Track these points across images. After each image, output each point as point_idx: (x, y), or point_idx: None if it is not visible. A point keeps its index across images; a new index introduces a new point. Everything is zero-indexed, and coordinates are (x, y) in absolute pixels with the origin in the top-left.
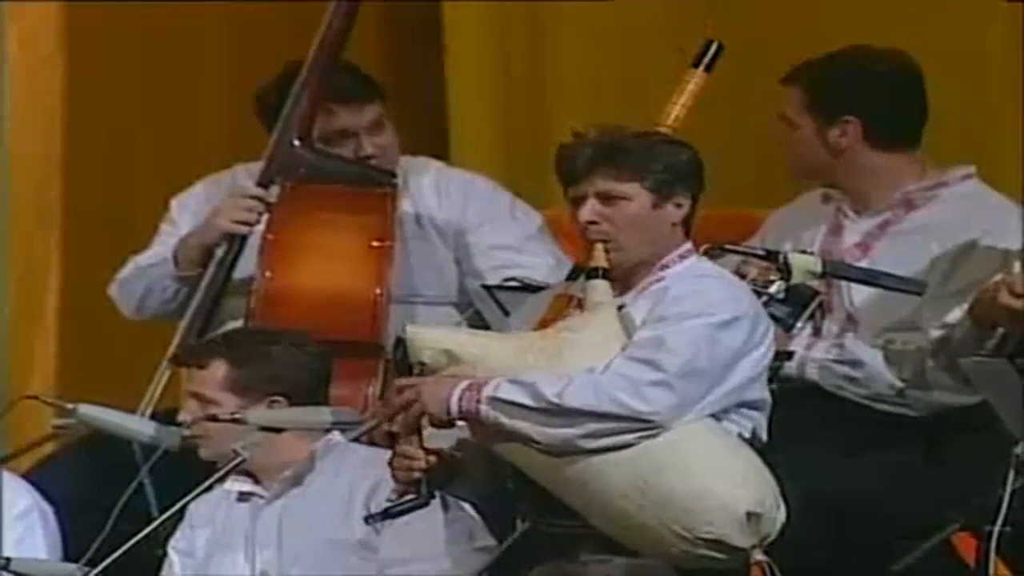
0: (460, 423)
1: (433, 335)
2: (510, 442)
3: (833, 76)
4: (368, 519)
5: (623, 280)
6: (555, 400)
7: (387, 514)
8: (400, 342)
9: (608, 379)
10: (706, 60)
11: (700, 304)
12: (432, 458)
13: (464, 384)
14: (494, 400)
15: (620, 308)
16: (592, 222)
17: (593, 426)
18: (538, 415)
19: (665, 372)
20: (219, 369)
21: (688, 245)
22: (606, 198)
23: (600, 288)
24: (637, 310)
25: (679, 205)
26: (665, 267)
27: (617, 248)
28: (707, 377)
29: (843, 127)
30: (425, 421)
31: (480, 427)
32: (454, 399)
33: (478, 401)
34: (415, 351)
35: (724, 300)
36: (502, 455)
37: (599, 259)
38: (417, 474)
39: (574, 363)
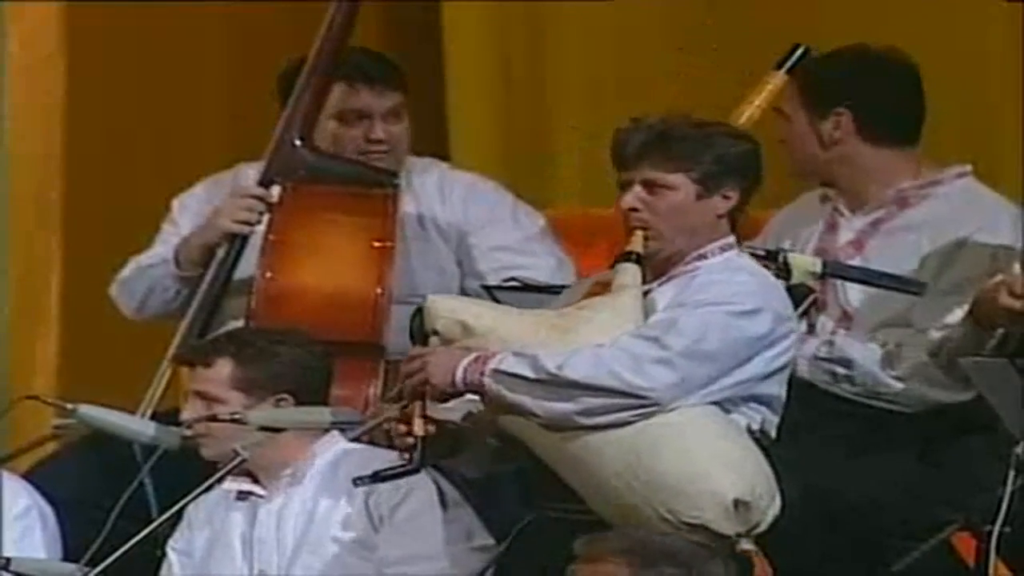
0: (471, 396)
1: (450, 305)
2: (514, 415)
3: (826, 70)
4: (357, 481)
5: (659, 267)
6: (555, 371)
7: (376, 477)
8: (419, 311)
9: (610, 353)
10: (790, 63)
11: (723, 293)
12: (431, 427)
13: (471, 356)
14: (497, 372)
15: (647, 293)
16: (633, 209)
17: (591, 401)
18: (539, 387)
19: (669, 350)
20: (225, 367)
21: (730, 239)
22: (651, 186)
23: (628, 271)
24: (662, 295)
25: (727, 197)
26: (703, 257)
27: (656, 237)
28: (714, 362)
29: (836, 119)
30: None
31: (487, 399)
32: (459, 371)
33: (482, 373)
34: (431, 319)
35: (749, 292)
36: (507, 428)
37: (636, 244)
38: (412, 440)
39: (587, 340)
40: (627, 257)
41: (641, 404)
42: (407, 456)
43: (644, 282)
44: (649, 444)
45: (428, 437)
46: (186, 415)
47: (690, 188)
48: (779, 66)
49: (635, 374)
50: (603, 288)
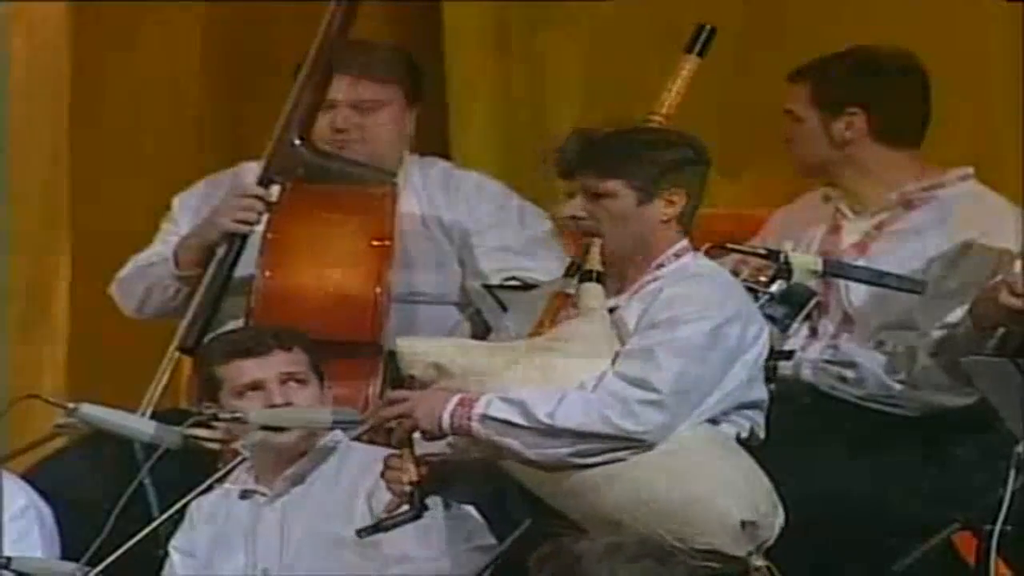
0: None
1: (422, 348)
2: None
3: (840, 70)
4: (360, 532)
5: (617, 278)
6: (546, 420)
7: (378, 527)
8: (392, 354)
9: (599, 398)
10: (698, 46)
11: (689, 308)
12: (423, 470)
13: (456, 400)
14: (485, 418)
15: (613, 310)
16: (577, 217)
17: (584, 446)
18: (530, 434)
19: (657, 392)
20: (301, 352)
21: (683, 243)
22: (592, 194)
23: (592, 292)
24: (630, 312)
25: (671, 202)
26: (660, 266)
27: (604, 245)
28: (699, 389)
29: (849, 119)
30: (416, 433)
31: (475, 442)
32: (446, 415)
33: (469, 418)
34: (405, 364)
35: (713, 303)
36: (499, 465)
37: (593, 261)
38: (408, 487)
39: (566, 374)
40: (588, 276)
41: (635, 445)
42: (405, 502)
43: (606, 295)
44: (646, 477)
45: (422, 479)
46: (278, 400)
47: (629, 194)
48: (689, 49)
49: (625, 418)
50: (562, 301)
